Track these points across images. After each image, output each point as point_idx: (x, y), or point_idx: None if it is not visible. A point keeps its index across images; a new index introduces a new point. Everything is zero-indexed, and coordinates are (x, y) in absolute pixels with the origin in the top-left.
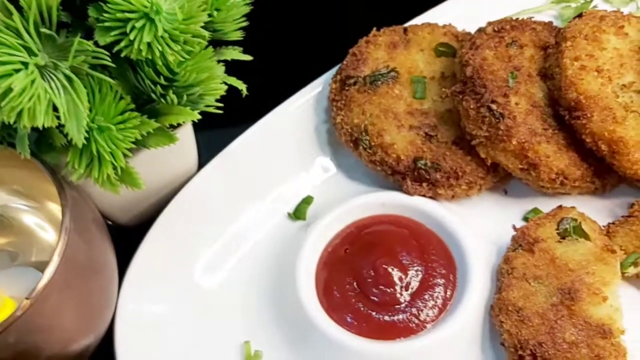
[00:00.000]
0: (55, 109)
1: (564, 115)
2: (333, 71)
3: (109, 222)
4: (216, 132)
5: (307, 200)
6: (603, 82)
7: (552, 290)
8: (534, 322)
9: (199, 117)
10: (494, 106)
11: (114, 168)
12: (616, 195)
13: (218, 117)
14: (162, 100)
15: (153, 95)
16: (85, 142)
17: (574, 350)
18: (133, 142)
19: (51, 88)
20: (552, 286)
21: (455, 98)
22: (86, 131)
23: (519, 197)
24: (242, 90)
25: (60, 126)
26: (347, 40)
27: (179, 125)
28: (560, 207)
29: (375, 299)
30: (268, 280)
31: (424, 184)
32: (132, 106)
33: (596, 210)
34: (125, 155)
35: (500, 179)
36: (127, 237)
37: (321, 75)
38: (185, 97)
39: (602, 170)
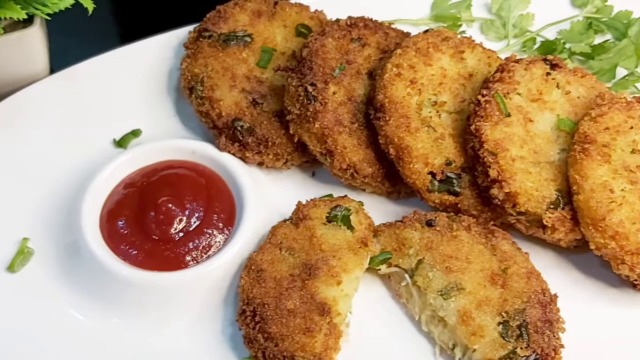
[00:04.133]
0: None
1: (371, 114)
2: None
3: None
4: (84, 50)
5: (135, 133)
6: (411, 93)
7: (297, 263)
8: (268, 285)
9: (25, 16)
10: (310, 88)
11: None
12: (415, 207)
13: (86, 33)
14: None
15: None
16: None
17: (290, 317)
18: None
19: None
20: (300, 260)
21: (285, 73)
22: None
23: (324, 183)
24: (87, 8)
25: None
26: None
27: (26, 25)
28: (345, 196)
29: (149, 232)
30: (67, 189)
31: (236, 144)
32: None
33: (388, 214)
34: None
35: (311, 162)
36: None
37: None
38: None
39: (394, 175)
